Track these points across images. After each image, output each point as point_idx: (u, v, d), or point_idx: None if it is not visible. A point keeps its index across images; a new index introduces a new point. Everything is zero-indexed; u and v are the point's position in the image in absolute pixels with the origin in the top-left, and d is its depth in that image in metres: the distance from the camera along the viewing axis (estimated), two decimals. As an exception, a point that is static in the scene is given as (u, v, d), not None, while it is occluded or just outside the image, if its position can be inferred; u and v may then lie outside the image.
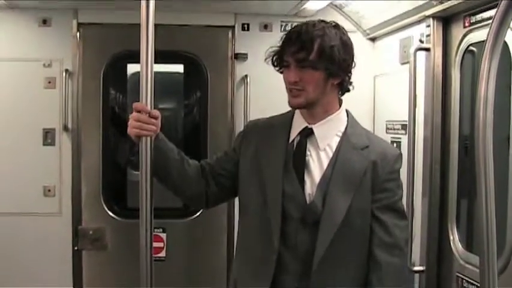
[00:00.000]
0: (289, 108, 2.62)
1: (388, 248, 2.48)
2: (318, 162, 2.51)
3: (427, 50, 3.76)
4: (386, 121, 4.46)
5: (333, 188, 2.46)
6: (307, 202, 2.48)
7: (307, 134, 2.54)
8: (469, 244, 3.60)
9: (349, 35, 4.57)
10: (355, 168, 2.47)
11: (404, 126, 4.08)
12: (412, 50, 3.78)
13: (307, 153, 2.52)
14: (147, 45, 2.36)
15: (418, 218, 3.82)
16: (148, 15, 2.35)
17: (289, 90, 2.49)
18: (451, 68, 3.69)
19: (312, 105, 2.50)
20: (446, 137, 3.74)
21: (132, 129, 2.42)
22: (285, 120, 2.62)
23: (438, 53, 3.73)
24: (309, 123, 2.54)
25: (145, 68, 2.37)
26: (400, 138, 4.19)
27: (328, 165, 2.49)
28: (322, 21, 2.50)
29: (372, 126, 4.74)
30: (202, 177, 2.66)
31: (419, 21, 3.91)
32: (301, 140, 2.54)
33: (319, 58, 2.39)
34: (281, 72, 2.54)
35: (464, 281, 3.49)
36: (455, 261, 3.62)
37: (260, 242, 2.53)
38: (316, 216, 2.45)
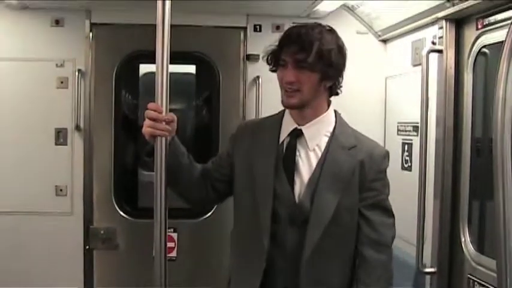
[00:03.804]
0: None
1: (374, 244, 2.56)
2: (307, 163, 2.56)
3: (440, 51, 3.76)
4: (398, 123, 4.46)
5: (321, 188, 2.51)
6: (296, 202, 2.53)
7: (296, 134, 2.58)
8: (481, 246, 3.59)
9: (361, 36, 4.59)
10: (343, 168, 2.53)
11: (415, 128, 4.07)
12: (424, 52, 3.78)
13: (297, 153, 2.57)
14: (163, 45, 2.37)
15: (430, 219, 3.82)
16: (164, 16, 2.36)
17: (285, 90, 2.52)
18: (464, 70, 3.68)
19: (304, 106, 2.54)
20: (458, 139, 3.73)
21: (146, 128, 2.44)
22: (275, 121, 2.67)
23: (451, 54, 3.73)
24: (299, 124, 2.59)
25: (161, 69, 2.37)
26: (411, 139, 4.19)
27: (317, 165, 2.54)
28: (319, 24, 2.55)
29: (383, 127, 4.76)
30: (203, 183, 2.71)
31: (431, 23, 3.90)
32: (291, 140, 2.59)
33: (317, 60, 2.43)
34: (274, 71, 2.59)
35: (476, 283, 3.48)
36: (467, 263, 3.60)
37: (251, 242, 2.59)
38: (304, 216, 2.51)
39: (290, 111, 2.62)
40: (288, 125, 2.61)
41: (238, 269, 2.70)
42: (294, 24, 2.56)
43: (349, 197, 2.53)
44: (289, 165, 2.56)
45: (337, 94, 2.63)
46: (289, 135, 2.59)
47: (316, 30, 2.47)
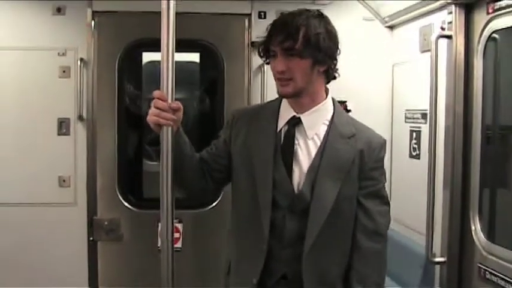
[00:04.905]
0: None
1: (369, 233, 2.58)
2: (306, 151, 2.56)
3: (449, 37, 3.70)
4: (406, 110, 4.41)
5: (321, 177, 2.51)
6: (295, 191, 2.53)
7: (295, 123, 2.58)
8: (492, 235, 3.55)
9: (368, 23, 4.54)
10: (343, 158, 2.54)
11: (424, 116, 4.03)
12: (433, 38, 3.71)
13: (296, 142, 2.56)
14: (168, 33, 2.35)
15: (439, 208, 3.79)
16: (169, 3, 2.32)
17: (278, 80, 2.50)
18: (474, 56, 3.62)
19: (300, 94, 2.52)
20: (468, 127, 3.67)
21: (151, 116, 2.41)
22: (273, 108, 2.65)
23: (460, 40, 3.67)
24: (297, 113, 2.58)
25: (166, 57, 2.35)
26: (420, 127, 4.15)
27: (316, 154, 2.54)
28: (307, 10, 2.52)
29: (391, 115, 4.72)
30: (202, 173, 2.69)
31: (440, 8, 3.85)
32: (290, 129, 2.58)
33: (305, 46, 2.42)
34: (268, 63, 2.57)
35: (486, 272, 3.44)
36: (477, 252, 3.57)
37: (251, 230, 2.58)
38: (305, 205, 2.52)
39: (287, 100, 2.60)
40: (286, 112, 2.60)
41: (238, 256, 2.70)
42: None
43: (348, 186, 2.54)
44: (287, 154, 2.55)
45: (334, 78, 2.60)
46: (287, 123, 2.58)
47: (303, 17, 2.45)
